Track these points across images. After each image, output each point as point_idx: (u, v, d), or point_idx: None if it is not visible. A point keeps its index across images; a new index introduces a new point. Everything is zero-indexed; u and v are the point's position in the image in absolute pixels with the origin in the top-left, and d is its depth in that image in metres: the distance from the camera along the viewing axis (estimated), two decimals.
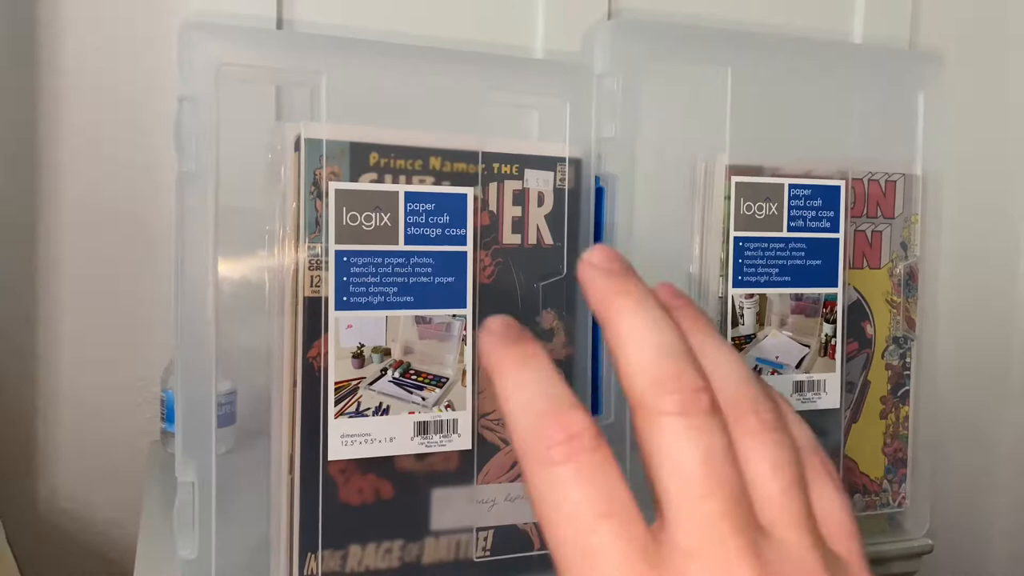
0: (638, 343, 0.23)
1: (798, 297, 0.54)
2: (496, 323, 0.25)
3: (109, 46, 0.76)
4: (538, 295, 0.49)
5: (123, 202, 0.77)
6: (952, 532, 1.03)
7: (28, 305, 0.76)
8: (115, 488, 0.79)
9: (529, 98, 0.51)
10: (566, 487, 0.22)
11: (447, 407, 0.47)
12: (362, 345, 0.45)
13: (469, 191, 0.47)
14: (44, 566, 0.77)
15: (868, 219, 0.56)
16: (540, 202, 0.49)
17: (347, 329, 0.45)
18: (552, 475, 0.22)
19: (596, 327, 0.51)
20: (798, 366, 0.54)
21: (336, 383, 0.45)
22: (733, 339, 0.52)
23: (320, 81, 0.45)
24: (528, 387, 0.23)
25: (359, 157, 0.45)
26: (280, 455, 0.45)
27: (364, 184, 0.45)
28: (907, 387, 0.58)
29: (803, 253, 0.54)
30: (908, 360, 0.58)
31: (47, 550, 0.78)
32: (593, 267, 0.24)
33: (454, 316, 0.47)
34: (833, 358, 0.55)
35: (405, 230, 0.46)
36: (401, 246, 0.46)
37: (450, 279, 0.47)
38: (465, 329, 0.47)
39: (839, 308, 0.55)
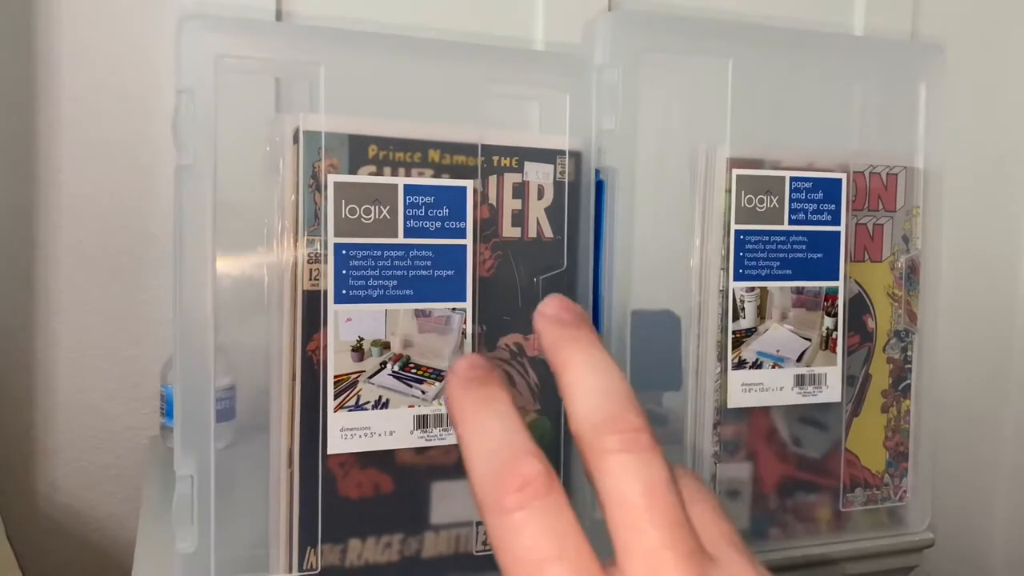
0: (582, 389, 0.25)
1: (799, 290, 0.54)
2: (462, 364, 0.26)
3: (107, 39, 0.76)
4: (538, 288, 0.49)
5: (121, 196, 0.77)
6: (953, 525, 1.03)
7: (26, 300, 0.76)
8: (114, 483, 0.79)
9: (529, 90, 0.51)
10: (519, 532, 0.23)
11: None
12: (361, 338, 0.45)
13: (469, 184, 0.47)
14: (44, 561, 0.77)
15: (869, 212, 0.56)
16: (540, 195, 0.49)
17: (346, 322, 0.45)
18: (506, 522, 0.23)
19: (597, 321, 0.51)
20: (799, 360, 0.54)
21: (335, 377, 0.44)
22: (734, 332, 0.52)
23: (319, 73, 0.44)
24: (486, 434, 0.25)
25: (358, 149, 0.44)
26: (279, 449, 0.44)
27: (363, 177, 0.45)
28: (908, 381, 0.58)
29: (804, 246, 0.54)
30: (909, 353, 0.58)
31: (46, 545, 0.78)
32: (546, 317, 0.26)
33: (454, 309, 0.47)
34: (834, 351, 0.55)
35: (404, 223, 0.45)
36: (400, 239, 0.45)
37: (450, 272, 0.46)
38: (465, 322, 0.47)
39: (840, 301, 0.55)
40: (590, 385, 0.25)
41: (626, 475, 0.24)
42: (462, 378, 0.26)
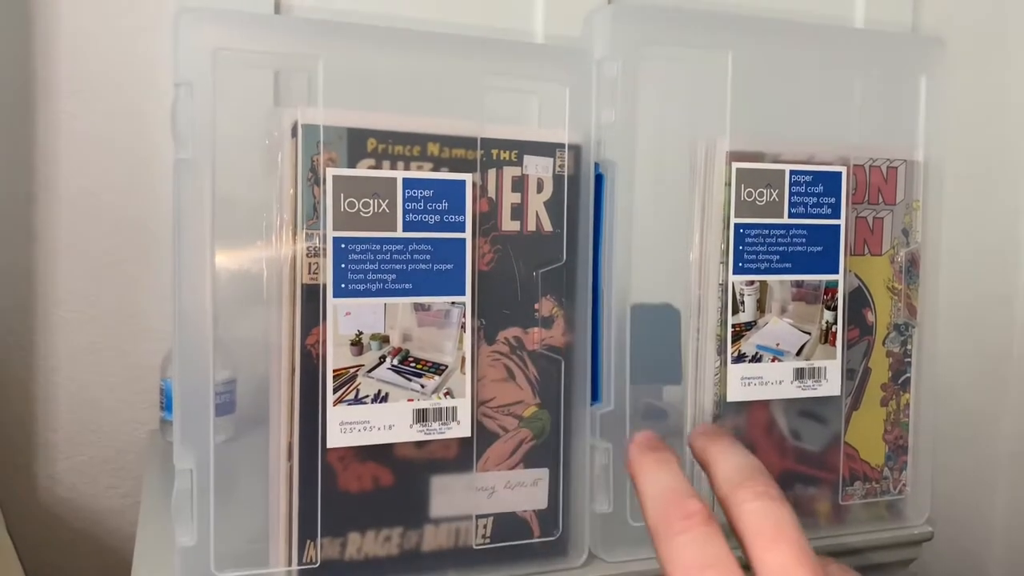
0: (723, 466, 0.34)
1: (799, 284, 0.54)
2: (642, 436, 0.37)
3: (105, 33, 0.75)
4: (537, 282, 0.49)
5: (120, 190, 0.77)
6: (952, 519, 1.03)
7: (26, 294, 0.76)
8: (114, 477, 0.79)
9: (528, 83, 0.51)
10: (684, 549, 0.30)
11: (446, 394, 0.46)
12: (360, 332, 0.45)
13: (468, 177, 0.47)
14: (44, 554, 0.78)
15: (869, 205, 0.56)
16: (539, 188, 0.49)
17: (345, 316, 0.44)
18: (675, 542, 0.31)
19: (596, 315, 0.51)
20: (799, 353, 0.54)
21: (335, 371, 0.44)
22: (733, 326, 0.52)
23: (317, 66, 0.44)
24: (659, 482, 0.34)
25: (357, 143, 0.44)
26: (279, 443, 0.44)
27: (362, 170, 0.44)
28: (908, 374, 0.58)
29: (804, 240, 0.54)
30: (909, 347, 0.58)
31: (46, 538, 0.78)
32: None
33: (453, 303, 0.47)
34: (834, 345, 0.55)
35: (403, 217, 0.45)
36: (399, 233, 0.45)
37: (449, 266, 0.46)
38: (464, 316, 0.47)
39: (840, 295, 0.55)
40: (728, 463, 0.34)
41: (759, 516, 0.31)
42: (641, 445, 0.36)
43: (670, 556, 0.30)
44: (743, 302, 0.53)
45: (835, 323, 0.55)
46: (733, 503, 0.32)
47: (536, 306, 0.49)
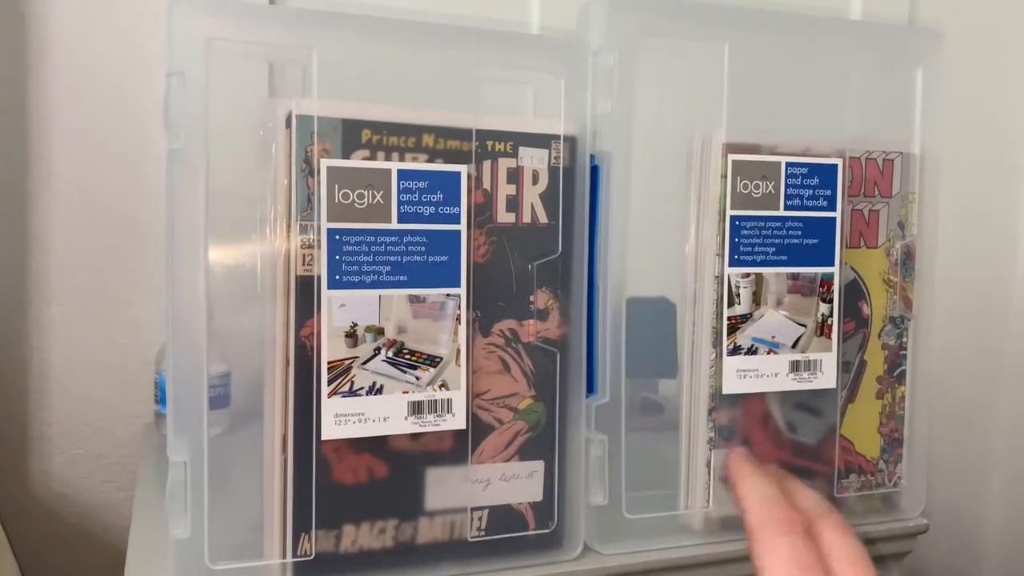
0: (750, 501, 0.41)
1: (795, 276, 0.54)
2: (738, 452, 0.48)
3: (101, 28, 0.75)
4: (532, 274, 0.48)
5: (115, 186, 0.77)
6: (947, 512, 1.03)
7: (20, 289, 0.76)
8: (109, 471, 0.79)
9: (524, 74, 0.50)
10: (786, 548, 0.37)
11: (441, 386, 0.46)
12: (355, 324, 0.45)
13: (463, 169, 0.46)
14: (39, 549, 0.77)
15: (865, 198, 0.56)
16: (535, 180, 0.48)
17: (340, 308, 0.44)
18: (777, 541, 0.37)
19: (592, 307, 0.50)
20: (794, 346, 0.54)
21: (329, 363, 0.44)
22: (729, 319, 0.52)
23: (312, 57, 0.44)
24: (757, 492, 0.41)
25: (351, 134, 0.44)
26: (273, 435, 0.44)
27: (356, 161, 0.44)
28: (903, 367, 0.58)
29: (800, 232, 0.54)
30: (905, 340, 0.58)
31: (41, 533, 0.78)
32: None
33: (448, 295, 0.46)
34: (829, 338, 0.55)
35: (398, 208, 0.45)
36: (394, 224, 0.45)
37: (444, 258, 0.46)
38: (459, 308, 0.47)
39: (836, 287, 0.55)
40: (754, 497, 0.41)
41: (840, 546, 0.38)
42: (742, 455, 0.46)
43: (771, 553, 0.36)
44: (739, 294, 0.52)
45: (831, 316, 0.55)
46: (761, 537, 0.38)
47: (531, 298, 0.49)
